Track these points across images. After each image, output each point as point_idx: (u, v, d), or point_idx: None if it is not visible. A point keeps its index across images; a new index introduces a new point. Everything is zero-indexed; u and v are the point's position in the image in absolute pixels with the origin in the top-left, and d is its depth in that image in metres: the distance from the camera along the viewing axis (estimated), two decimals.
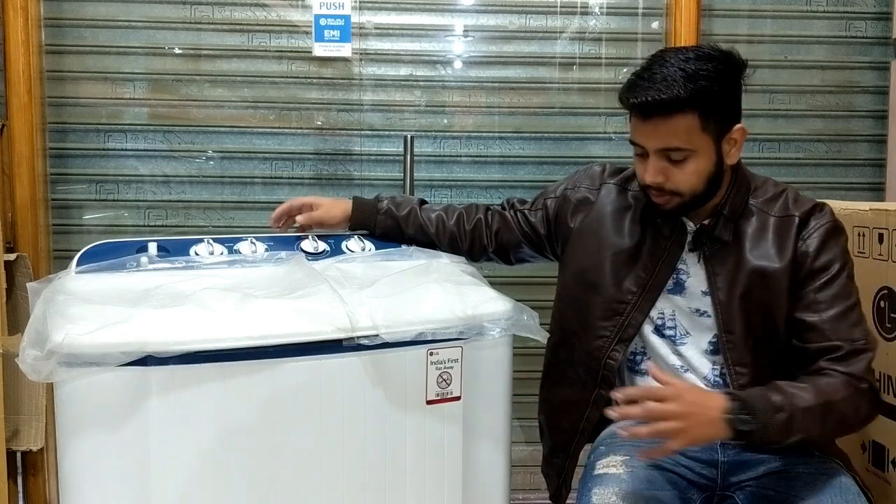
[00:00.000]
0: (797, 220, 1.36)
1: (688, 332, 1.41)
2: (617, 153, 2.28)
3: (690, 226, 1.40)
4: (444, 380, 1.33)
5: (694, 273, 1.40)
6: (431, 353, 1.31)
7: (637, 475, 1.31)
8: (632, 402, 1.18)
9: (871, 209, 1.62)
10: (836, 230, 1.36)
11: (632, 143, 1.35)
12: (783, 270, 1.34)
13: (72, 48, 2.15)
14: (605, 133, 2.29)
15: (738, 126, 1.33)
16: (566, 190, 1.54)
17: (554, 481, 1.55)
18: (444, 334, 1.31)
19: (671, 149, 1.29)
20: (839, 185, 2.35)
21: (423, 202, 1.64)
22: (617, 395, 1.20)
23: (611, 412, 1.20)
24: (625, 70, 2.26)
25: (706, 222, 1.38)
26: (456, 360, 1.33)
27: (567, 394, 1.50)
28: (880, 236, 1.59)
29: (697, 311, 1.40)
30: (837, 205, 1.63)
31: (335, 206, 1.62)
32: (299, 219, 1.61)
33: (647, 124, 1.29)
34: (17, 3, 1.98)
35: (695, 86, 1.25)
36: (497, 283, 1.51)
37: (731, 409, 1.17)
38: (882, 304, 1.59)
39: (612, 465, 1.34)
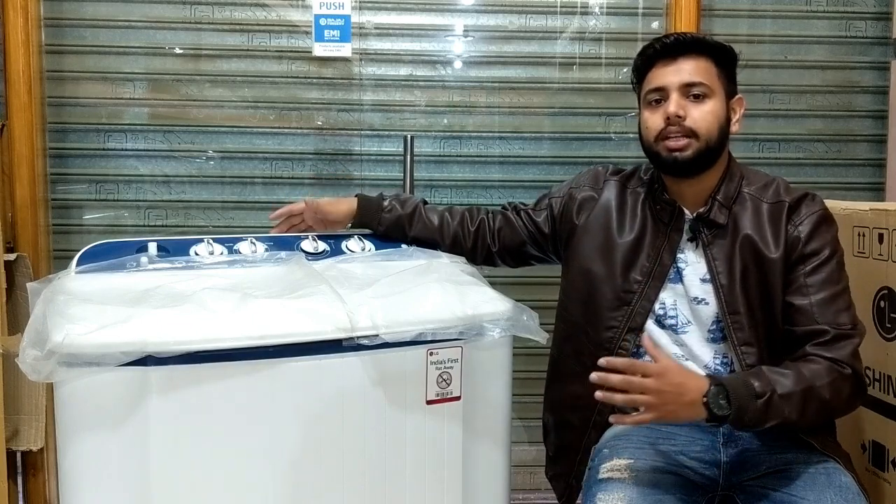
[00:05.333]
0: (787, 205, 1.40)
1: (689, 321, 1.43)
2: (617, 153, 2.28)
3: (688, 214, 1.44)
4: (444, 380, 1.33)
5: (691, 261, 1.44)
6: (431, 353, 1.31)
7: (641, 480, 1.31)
8: (615, 371, 1.22)
9: (871, 209, 1.62)
10: (827, 218, 1.41)
11: (648, 94, 1.42)
12: (778, 257, 1.38)
13: (72, 48, 2.15)
14: (605, 133, 2.29)
15: (739, 96, 1.45)
16: (571, 189, 1.58)
17: (562, 482, 1.55)
18: (443, 334, 1.31)
19: (695, 83, 1.38)
20: (839, 185, 2.35)
21: (425, 202, 1.66)
22: (602, 361, 1.24)
23: (592, 376, 1.23)
24: (625, 70, 2.26)
25: (702, 210, 1.42)
26: (456, 360, 1.33)
27: (576, 389, 1.50)
28: (880, 236, 1.59)
29: (696, 299, 1.43)
30: (837, 205, 1.63)
31: (340, 202, 1.64)
32: (305, 208, 1.62)
33: (672, 64, 1.40)
34: (17, 3, 1.98)
35: (711, 41, 1.43)
36: (497, 283, 1.51)
37: (709, 393, 1.22)
38: (882, 304, 1.59)
39: (616, 470, 1.34)
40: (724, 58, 1.42)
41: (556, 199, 1.58)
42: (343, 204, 1.63)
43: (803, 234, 1.38)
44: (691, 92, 1.38)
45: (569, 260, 1.55)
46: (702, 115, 1.38)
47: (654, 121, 1.41)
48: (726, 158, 1.45)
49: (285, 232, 1.64)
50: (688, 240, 1.44)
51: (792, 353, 1.36)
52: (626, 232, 1.48)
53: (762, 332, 1.38)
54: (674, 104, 1.38)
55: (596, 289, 1.48)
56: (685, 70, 1.38)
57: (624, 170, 1.57)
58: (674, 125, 1.38)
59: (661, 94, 1.40)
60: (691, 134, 1.37)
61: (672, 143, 1.38)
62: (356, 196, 1.65)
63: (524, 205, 1.63)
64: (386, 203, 1.62)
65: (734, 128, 1.44)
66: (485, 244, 1.62)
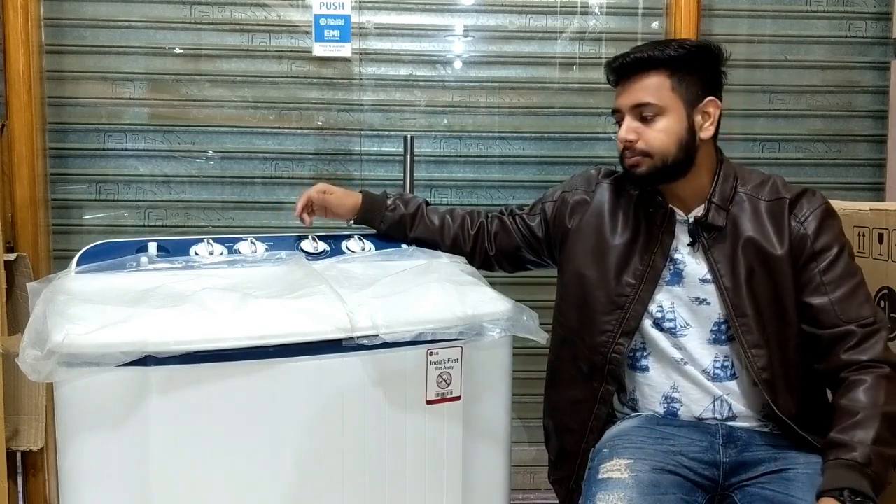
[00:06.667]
0: (788, 201, 1.39)
1: (688, 324, 1.43)
2: (616, 153, 2.27)
3: (682, 216, 1.43)
4: (444, 380, 1.33)
5: (690, 262, 1.43)
6: (431, 353, 1.31)
7: (641, 480, 1.31)
8: None
9: (871, 209, 1.62)
10: (831, 212, 1.40)
11: (613, 115, 1.44)
12: (784, 254, 1.37)
13: (72, 48, 2.15)
14: (605, 133, 2.29)
15: (710, 98, 1.39)
16: (564, 193, 1.57)
17: (564, 487, 1.55)
18: (443, 334, 1.31)
19: (642, 104, 1.37)
20: (839, 185, 2.34)
21: (427, 203, 1.66)
22: None
23: None
24: None
25: (699, 213, 1.41)
26: (456, 360, 1.33)
27: (574, 393, 1.50)
28: (880, 236, 1.59)
29: (697, 299, 1.42)
30: (838, 205, 1.63)
31: (347, 196, 1.64)
32: (314, 197, 1.62)
33: (623, 86, 1.41)
34: (17, 3, 1.98)
35: (664, 50, 1.37)
36: (497, 284, 1.51)
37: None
38: (882, 304, 1.59)
39: (615, 470, 1.33)
40: (685, 64, 1.37)
41: (550, 204, 1.58)
42: (349, 199, 1.63)
43: (810, 230, 1.37)
44: (642, 113, 1.38)
45: (563, 264, 1.55)
46: (654, 136, 1.38)
47: (617, 141, 1.42)
48: (712, 160, 1.43)
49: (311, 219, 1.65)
50: (687, 244, 1.43)
51: (823, 359, 1.35)
52: (619, 234, 1.47)
53: (772, 333, 1.37)
54: (624, 129, 1.40)
55: (589, 293, 1.47)
56: (633, 92, 1.38)
57: (617, 171, 1.55)
58: (627, 148, 1.40)
59: (619, 115, 1.42)
60: (645, 154, 1.38)
61: (628, 161, 1.41)
62: (361, 192, 1.65)
63: (520, 209, 1.63)
64: (390, 202, 1.63)
65: (706, 133, 1.39)
66: (483, 247, 1.62)
